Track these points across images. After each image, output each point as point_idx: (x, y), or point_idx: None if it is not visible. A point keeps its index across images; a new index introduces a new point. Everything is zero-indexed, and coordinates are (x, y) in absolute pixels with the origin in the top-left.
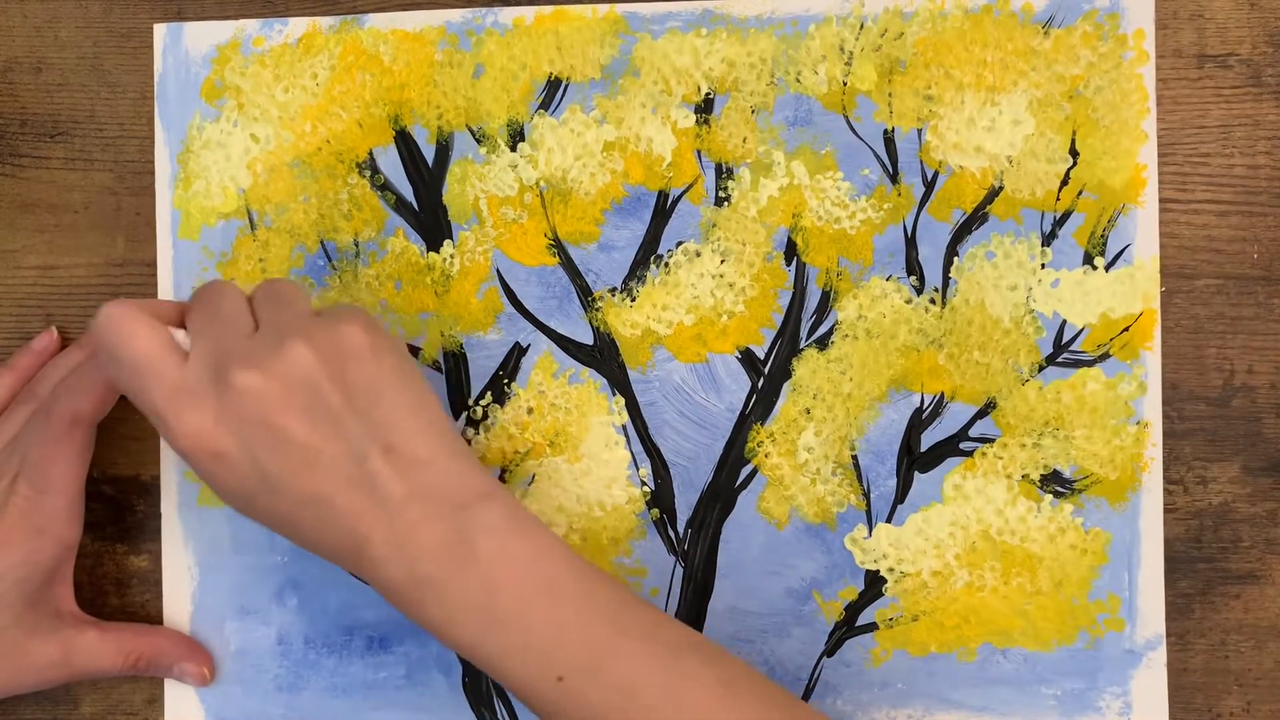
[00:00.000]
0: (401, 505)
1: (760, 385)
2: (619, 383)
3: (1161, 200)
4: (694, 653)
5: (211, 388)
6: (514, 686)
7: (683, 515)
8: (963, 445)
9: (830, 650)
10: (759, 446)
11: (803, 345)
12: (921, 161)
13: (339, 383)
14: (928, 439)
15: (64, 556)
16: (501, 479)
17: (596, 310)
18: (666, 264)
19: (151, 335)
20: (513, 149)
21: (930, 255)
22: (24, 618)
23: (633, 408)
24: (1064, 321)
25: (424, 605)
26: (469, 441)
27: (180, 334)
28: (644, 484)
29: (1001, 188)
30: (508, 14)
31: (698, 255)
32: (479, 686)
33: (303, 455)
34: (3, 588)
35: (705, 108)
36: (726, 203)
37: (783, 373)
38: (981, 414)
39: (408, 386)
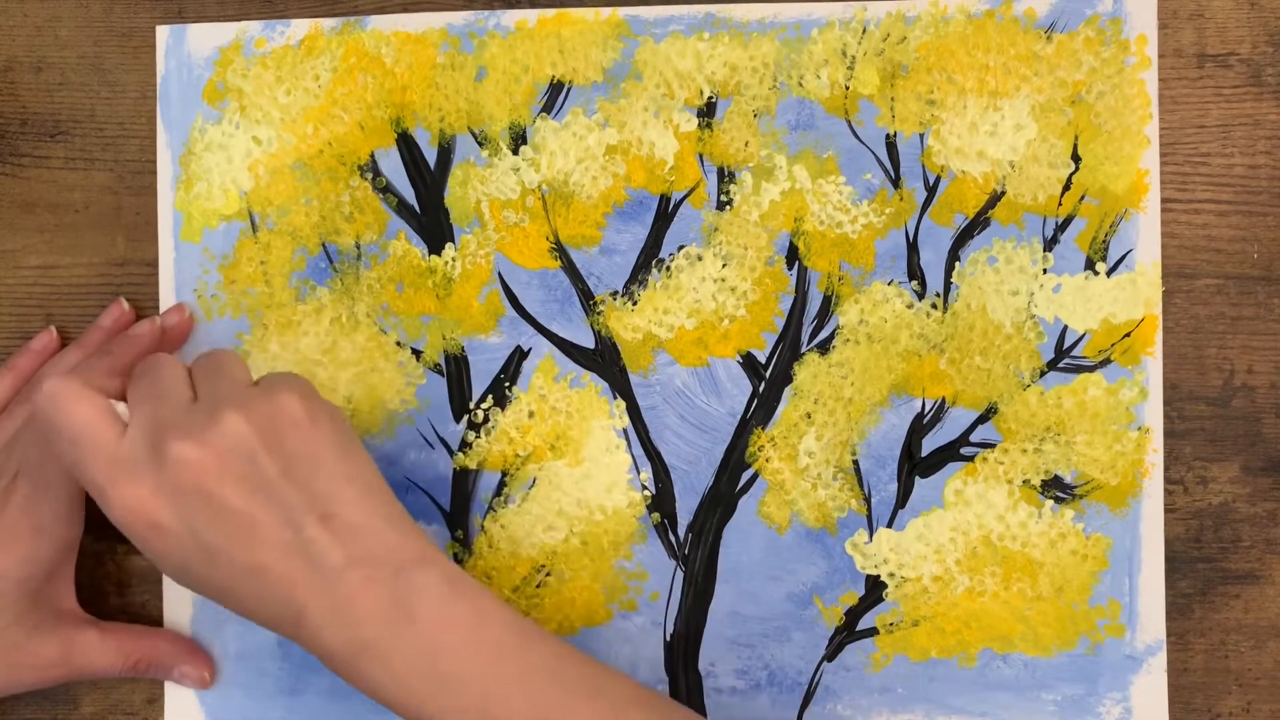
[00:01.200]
0: (339, 572)
1: (761, 389)
2: (620, 386)
3: (1162, 200)
4: (640, 708)
5: (148, 459)
6: None
7: (683, 519)
8: (964, 450)
9: (831, 655)
10: (760, 451)
11: (804, 349)
12: (923, 166)
13: (276, 452)
14: (929, 444)
15: (65, 556)
16: (502, 483)
17: (598, 314)
18: (668, 268)
19: (91, 407)
20: (515, 152)
21: (932, 260)
22: (25, 616)
23: (634, 412)
24: (1065, 327)
25: (366, 670)
26: (470, 445)
27: (121, 406)
28: (645, 488)
29: (1003, 193)
30: (510, 16)
31: (699, 259)
32: None
33: (240, 524)
34: (4, 586)
35: (707, 111)
36: (728, 206)
37: (784, 377)
38: (982, 419)
39: (345, 454)
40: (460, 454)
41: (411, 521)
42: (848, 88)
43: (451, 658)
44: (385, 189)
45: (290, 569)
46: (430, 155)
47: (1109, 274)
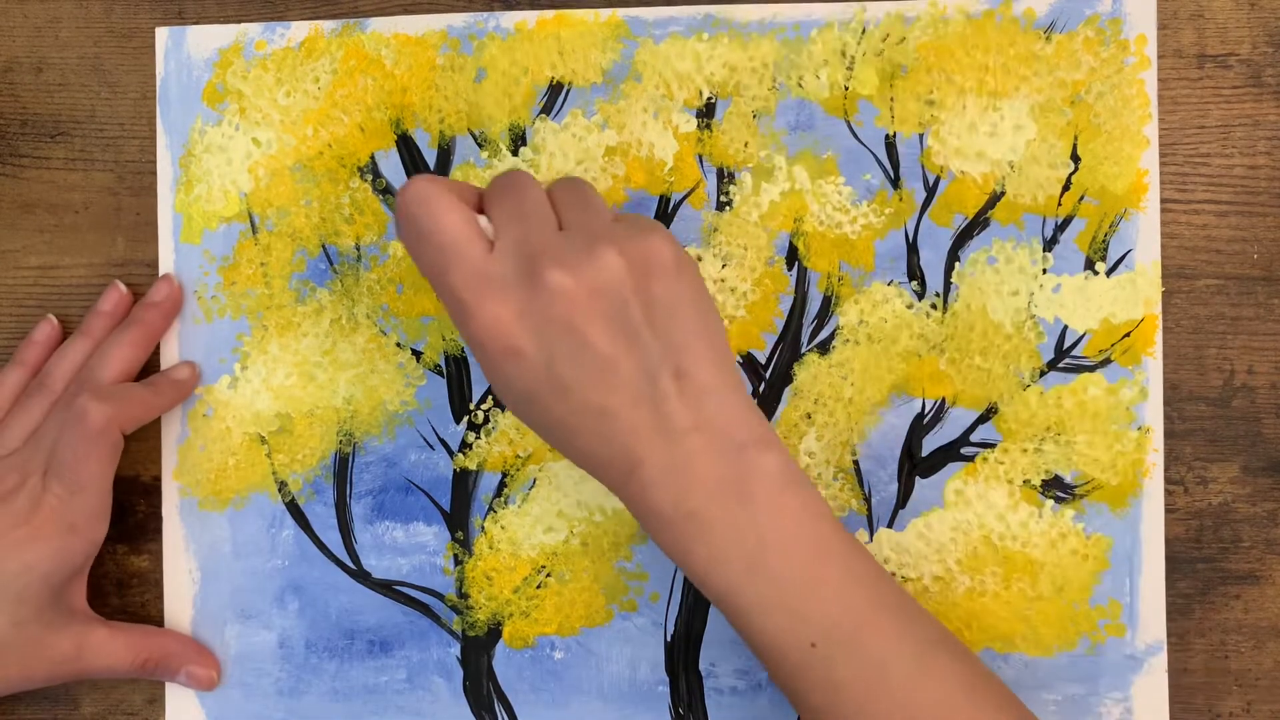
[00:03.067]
0: (683, 433)
1: (761, 390)
2: None
3: (1161, 201)
4: (945, 645)
5: (519, 281)
6: (762, 644)
7: None
8: (964, 450)
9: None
10: None
11: (804, 350)
12: (923, 166)
13: (643, 297)
14: (929, 444)
15: (91, 554)
16: (502, 483)
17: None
18: None
19: (461, 216)
20: (514, 153)
21: (932, 260)
22: (44, 612)
23: None
24: (1065, 327)
25: (688, 540)
26: (470, 446)
27: (483, 220)
28: None
29: (1003, 193)
30: (509, 18)
31: (699, 260)
32: (480, 690)
33: (598, 365)
34: (30, 579)
35: (707, 112)
36: (728, 207)
37: (784, 377)
38: (983, 419)
39: (702, 310)
40: (460, 455)
41: (749, 394)
42: (847, 88)
43: (776, 548)
44: (385, 190)
45: (637, 419)
46: (430, 157)
47: (1109, 274)
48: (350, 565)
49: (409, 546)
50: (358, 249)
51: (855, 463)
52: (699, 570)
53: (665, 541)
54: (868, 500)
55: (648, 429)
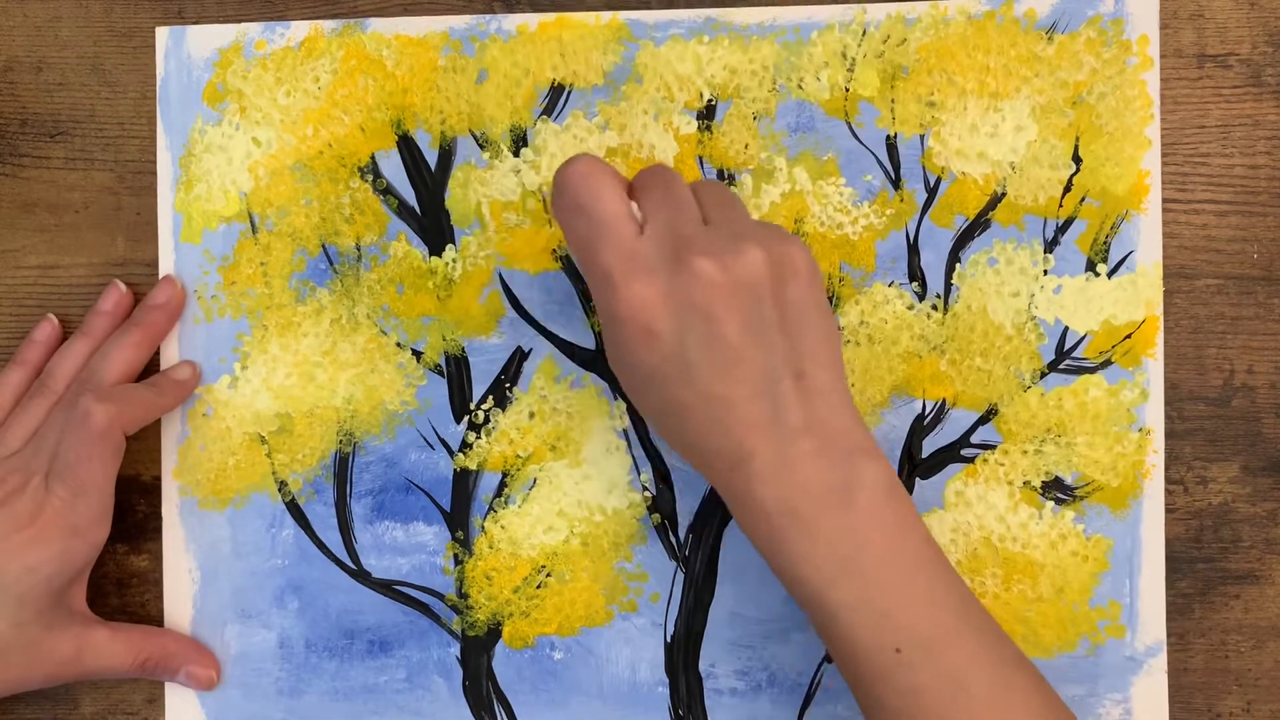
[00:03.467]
0: (795, 434)
1: None
2: (620, 388)
3: (1162, 201)
4: (1022, 666)
5: (666, 265)
6: (847, 645)
7: (684, 520)
8: (964, 452)
9: (831, 656)
10: None
11: None
12: (924, 167)
13: (777, 297)
14: (929, 445)
15: (92, 556)
16: (502, 483)
17: (599, 316)
18: None
19: (619, 196)
20: (515, 154)
21: (932, 261)
22: (44, 614)
23: (634, 412)
24: (1066, 328)
25: (785, 536)
26: (470, 446)
27: (634, 205)
28: (645, 489)
29: (1004, 194)
30: (511, 20)
31: None
32: (479, 690)
33: (727, 355)
34: (32, 582)
35: (707, 114)
36: None
37: None
38: (983, 420)
39: (827, 318)
40: (461, 455)
41: (856, 408)
42: (847, 90)
43: (871, 552)
44: (386, 190)
45: (754, 412)
46: (431, 157)
47: (1110, 275)
48: (350, 565)
49: (409, 546)
50: (358, 249)
51: None
52: (792, 566)
53: (760, 535)
54: None
55: (763, 425)
